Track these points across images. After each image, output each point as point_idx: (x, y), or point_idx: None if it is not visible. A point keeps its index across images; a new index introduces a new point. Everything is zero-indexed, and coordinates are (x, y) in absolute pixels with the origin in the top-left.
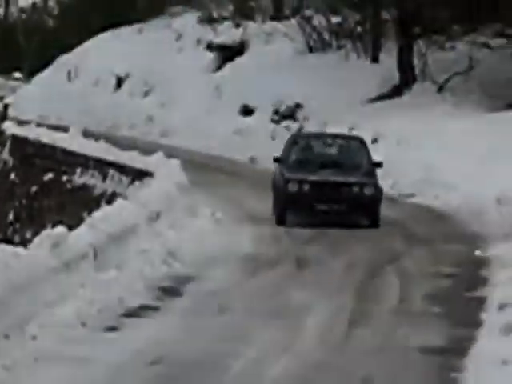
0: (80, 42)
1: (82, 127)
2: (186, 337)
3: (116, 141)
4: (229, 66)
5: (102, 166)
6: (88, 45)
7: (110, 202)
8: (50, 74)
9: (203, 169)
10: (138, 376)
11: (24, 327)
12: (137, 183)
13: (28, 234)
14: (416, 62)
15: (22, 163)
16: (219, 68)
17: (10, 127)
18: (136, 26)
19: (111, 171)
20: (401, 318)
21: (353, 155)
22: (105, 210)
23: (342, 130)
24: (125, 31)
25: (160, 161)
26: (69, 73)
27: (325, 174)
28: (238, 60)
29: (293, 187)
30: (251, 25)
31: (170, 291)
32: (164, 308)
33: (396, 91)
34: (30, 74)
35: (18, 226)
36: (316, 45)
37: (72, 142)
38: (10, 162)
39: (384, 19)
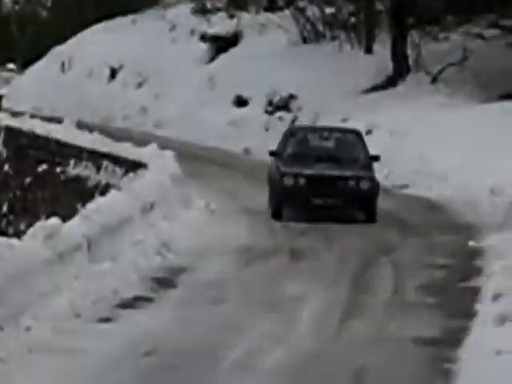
0: (74, 33)
1: (75, 118)
2: (180, 328)
3: (110, 132)
4: (223, 56)
5: (96, 157)
6: (82, 36)
7: (103, 193)
8: (44, 65)
9: (197, 160)
10: (132, 367)
11: (18, 319)
12: (131, 174)
13: (22, 226)
14: (410, 52)
15: (15, 155)
16: (213, 59)
17: (3, 118)
18: (130, 17)
19: (105, 162)
20: (395, 309)
21: (349, 149)
22: (99, 201)
23: (335, 120)
24: (119, 22)
25: (154, 152)
26: (62, 64)
27: (321, 167)
28: (232, 51)
29: (288, 181)
30: (245, 16)
31: (164, 282)
32: (158, 299)
33: (390, 82)
34: (24, 66)
35: (11, 217)
36: (310, 36)
37: (66, 133)
38: (4, 153)
39: (378, 10)
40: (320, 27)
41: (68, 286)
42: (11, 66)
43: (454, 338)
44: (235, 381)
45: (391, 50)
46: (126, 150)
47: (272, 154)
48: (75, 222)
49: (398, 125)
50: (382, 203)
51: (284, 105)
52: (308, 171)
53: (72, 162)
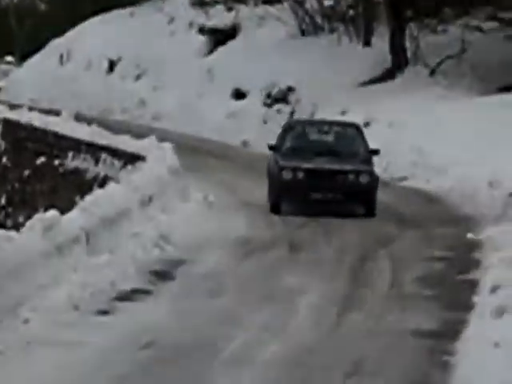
0: (72, 25)
1: (74, 111)
2: (178, 320)
3: (108, 124)
4: (221, 49)
5: (95, 149)
6: (80, 28)
7: (102, 185)
8: (42, 57)
9: (195, 152)
10: (129, 359)
11: (16, 311)
12: (129, 167)
13: (20, 218)
14: (408, 45)
15: (14, 147)
16: (211, 51)
17: (1, 111)
18: (128, 10)
19: (103, 155)
20: (393, 301)
21: (349, 142)
22: (97, 193)
23: (334, 113)
24: (117, 14)
25: (152, 145)
26: (61, 56)
27: (319, 161)
28: (231, 43)
29: (287, 175)
30: (243, 8)
31: (163, 275)
32: (156, 292)
33: (388, 75)
34: (22, 58)
35: (10, 210)
36: (308, 28)
37: (64, 125)
38: (2, 145)
39: (376, 2)
40: (318, 20)
41: (66, 279)
42: (9, 58)
43: (452, 331)
44: (234, 373)
45: (389, 43)
46: (125, 143)
47: (271, 148)
48: (74, 214)
49: (397, 117)
50: (381, 196)
51: (282, 97)
52: (307, 165)
53: (70, 154)
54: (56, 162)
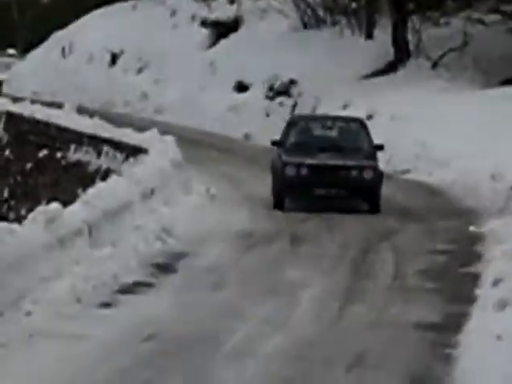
0: (74, 18)
1: (76, 104)
2: (181, 313)
3: (110, 117)
4: (223, 42)
5: (97, 142)
6: (82, 21)
7: (104, 178)
8: (45, 50)
9: (198, 145)
10: (132, 352)
11: (19, 303)
12: (131, 160)
13: (23, 211)
14: (410, 37)
15: (16, 140)
16: (213, 44)
17: (4, 104)
18: (130, 3)
19: (106, 148)
20: (395, 294)
21: (353, 138)
22: (99, 186)
23: (336, 106)
24: (119, 7)
25: (154, 137)
26: (63, 49)
27: (323, 157)
28: (233, 36)
29: (290, 171)
30: (246, 1)
31: (165, 267)
32: (158, 284)
33: (390, 67)
34: (25, 51)
35: (12, 202)
36: (310, 21)
37: (66, 118)
38: (5, 138)
39: None
40: (321, 12)
41: (69, 271)
42: (12, 51)
43: (454, 323)
44: (236, 366)
45: (392, 36)
46: (127, 136)
47: (274, 143)
48: (76, 207)
49: (399, 110)
50: (384, 189)
51: (284, 90)
52: (310, 161)
53: (73, 147)
54: (58, 155)
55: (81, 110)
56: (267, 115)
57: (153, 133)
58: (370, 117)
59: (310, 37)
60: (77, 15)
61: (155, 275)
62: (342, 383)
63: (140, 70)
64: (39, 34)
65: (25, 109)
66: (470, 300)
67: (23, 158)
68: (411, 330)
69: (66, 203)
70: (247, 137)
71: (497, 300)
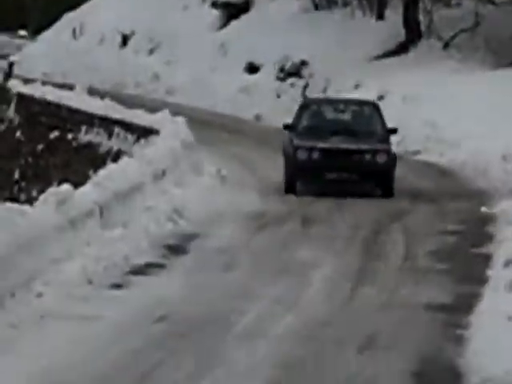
0: None
1: (87, 85)
2: (192, 294)
3: (121, 98)
4: (234, 23)
5: (108, 123)
6: (93, 2)
7: (115, 159)
8: (56, 31)
9: (208, 126)
10: (143, 333)
11: (30, 285)
12: (142, 141)
13: (34, 192)
14: (422, 18)
15: (27, 121)
16: (224, 25)
17: (15, 85)
18: None
19: (117, 129)
20: (406, 275)
21: (366, 121)
22: (110, 167)
23: (347, 87)
24: None
25: (165, 119)
26: (74, 30)
27: (335, 140)
28: (244, 17)
29: (302, 155)
30: None
31: (176, 249)
32: (170, 265)
33: (402, 48)
34: (36, 32)
35: (23, 184)
36: (321, 2)
37: (77, 99)
38: (16, 120)
39: None
40: None
41: (80, 253)
42: (23, 32)
43: (465, 304)
44: (247, 346)
45: (403, 16)
46: (138, 117)
47: (286, 127)
48: (87, 188)
49: (410, 91)
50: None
51: (295, 71)
52: (322, 144)
53: (84, 128)
54: (69, 136)
55: (92, 92)
56: (278, 96)
57: (164, 114)
58: (380, 98)
59: (321, 18)
60: None
61: (166, 256)
62: (354, 364)
63: (151, 51)
64: (50, 15)
65: (36, 90)
66: (482, 281)
67: (34, 139)
68: (422, 311)
69: (77, 184)
70: (258, 118)
71: (508, 281)
